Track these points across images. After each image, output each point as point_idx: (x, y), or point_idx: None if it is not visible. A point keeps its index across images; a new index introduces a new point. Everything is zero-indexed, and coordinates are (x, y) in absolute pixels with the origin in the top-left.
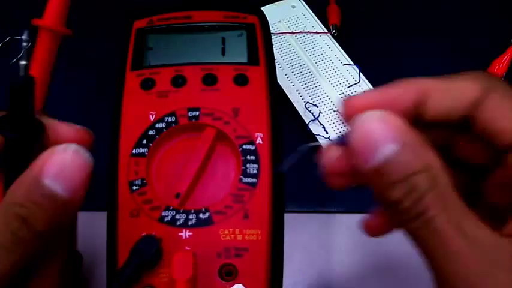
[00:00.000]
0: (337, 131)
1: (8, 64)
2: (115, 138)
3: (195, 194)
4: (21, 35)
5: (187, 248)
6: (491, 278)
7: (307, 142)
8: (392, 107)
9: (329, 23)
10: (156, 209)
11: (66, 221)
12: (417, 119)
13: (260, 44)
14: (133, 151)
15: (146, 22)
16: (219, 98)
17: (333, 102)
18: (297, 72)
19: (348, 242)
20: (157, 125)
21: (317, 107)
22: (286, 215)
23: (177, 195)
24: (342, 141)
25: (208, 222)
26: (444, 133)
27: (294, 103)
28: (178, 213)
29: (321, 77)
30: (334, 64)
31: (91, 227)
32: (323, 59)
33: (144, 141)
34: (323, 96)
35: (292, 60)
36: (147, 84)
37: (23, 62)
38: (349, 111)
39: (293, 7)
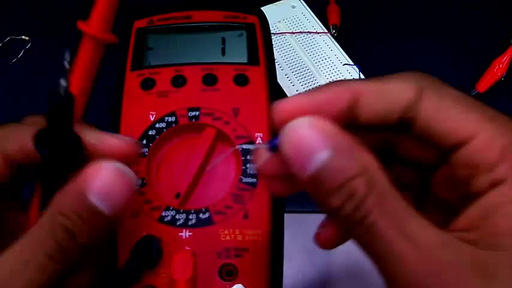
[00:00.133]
0: None
1: (8, 64)
2: None
3: (195, 194)
4: (64, 54)
5: (187, 248)
6: (434, 278)
7: None
8: (324, 111)
9: (329, 23)
10: (156, 209)
11: (106, 232)
12: (353, 121)
13: (260, 44)
14: None
15: (146, 22)
16: (219, 98)
17: None
18: (297, 72)
19: (348, 241)
20: (157, 125)
21: None
22: (286, 215)
23: (177, 195)
24: (274, 146)
25: (208, 222)
26: (385, 134)
27: None
28: (178, 213)
29: (321, 77)
30: (334, 64)
31: None
32: (323, 59)
33: (144, 141)
34: None
35: (292, 60)
36: (147, 84)
37: (63, 83)
38: (280, 117)
39: (293, 7)
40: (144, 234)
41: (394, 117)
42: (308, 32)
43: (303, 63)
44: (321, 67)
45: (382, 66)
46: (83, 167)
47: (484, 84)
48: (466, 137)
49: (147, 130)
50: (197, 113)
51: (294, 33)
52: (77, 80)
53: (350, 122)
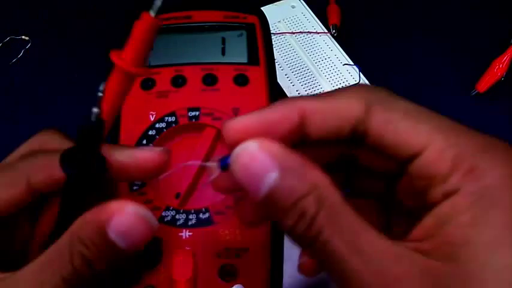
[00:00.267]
0: None
1: (8, 64)
2: (115, 138)
3: (195, 194)
4: (99, 87)
5: (187, 248)
6: None
7: None
8: (273, 131)
9: (329, 23)
10: (156, 209)
11: (123, 261)
12: (305, 138)
13: (260, 44)
14: None
15: None
16: (219, 98)
17: None
18: (297, 72)
19: None
20: (157, 125)
21: None
22: None
23: (177, 195)
24: (225, 165)
25: (208, 222)
26: (341, 147)
27: None
28: (179, 214)
29: (321, 77)
30: (334, 64)
31: None
32: (323, 59)
33: (144, 141)
34: None
35: (292, 60)
36: (147, 84)
37: (95, 110)
38: (230, 137)
39: (293, 7)
40: None
41: (345, 133)
42: (308, 32)
43: (303, 63)
44: (321, 67)
45: (382, 66)
46: (105, 189)
47: (484, 84)
48: (418, 149)
49: (147, 130)
50: (197, 113)
51: (294, 33)
52: (107, 106)
53: (302, 139)
